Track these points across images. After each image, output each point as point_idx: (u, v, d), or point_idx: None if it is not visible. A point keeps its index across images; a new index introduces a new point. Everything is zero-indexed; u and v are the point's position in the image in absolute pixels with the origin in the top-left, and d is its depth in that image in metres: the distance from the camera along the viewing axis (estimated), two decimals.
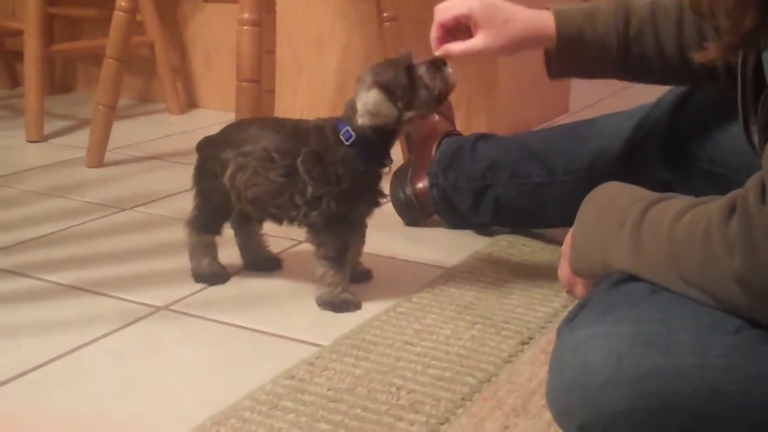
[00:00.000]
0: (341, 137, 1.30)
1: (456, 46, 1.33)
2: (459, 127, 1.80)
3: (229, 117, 1.76)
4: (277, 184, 1.31)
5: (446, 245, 1.62)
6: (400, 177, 1.74)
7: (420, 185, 1.69)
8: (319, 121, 1.35)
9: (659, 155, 1.48)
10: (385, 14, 2.07)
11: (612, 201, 1.00)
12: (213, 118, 2.51)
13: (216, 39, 2.73)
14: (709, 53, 0.94)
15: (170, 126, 2.56)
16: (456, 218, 1.68)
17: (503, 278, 1.44)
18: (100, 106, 2.09)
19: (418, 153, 1.74)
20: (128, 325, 1.28)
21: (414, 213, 1.72)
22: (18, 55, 2.66)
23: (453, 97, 1.93)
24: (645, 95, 1.56)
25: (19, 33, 2.49)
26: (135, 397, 1.09)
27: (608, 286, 0.93)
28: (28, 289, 1.40)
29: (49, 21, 2.70)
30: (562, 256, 1.09)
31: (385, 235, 1.65)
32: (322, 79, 2.58)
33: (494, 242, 1.61)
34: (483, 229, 1.67)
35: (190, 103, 2.82)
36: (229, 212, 1.39)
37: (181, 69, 2.82)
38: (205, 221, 1.40)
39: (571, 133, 1.60)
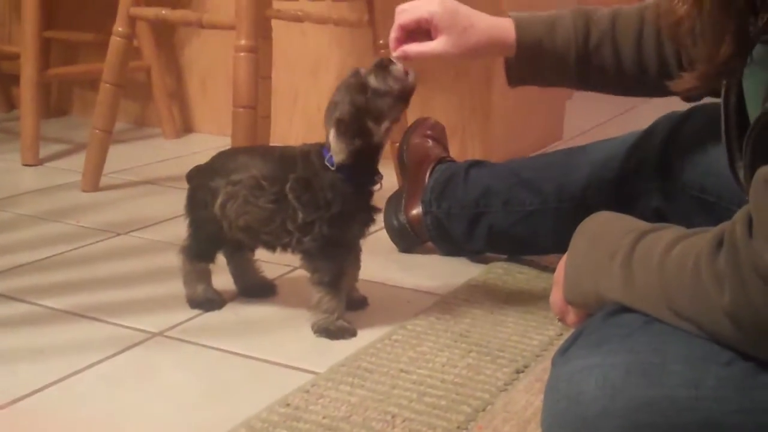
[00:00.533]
0: (327, 163, 1.30)
1: (414, 48, 1.34)
2: (454, 155, 1.81)
3: (224, 142, 1.76)
4: (267, 212, 1.32)
5: (441, 272, 1.62)
6: (393, 204, 1.75)
7: (414, 212, 1.70)
8: (304, 147, 1.36)
9: (651, 184, 1.49)
10: (380, 41, 2.08)
11: (603, 232, 1.00)
12: (208, 143, 2.51)
13: (212, 64, 2.75)
14: (684, 83, 0.96)
15: (165, 150, 2.57)
16: (450, 245, 1.68)
17: (498, 306, 1.44)
18: (96, 131, 2.09)
19: (411, 179, 1.75)
20: (123, 351, 1.28)
21: (408, 240, 1.73)
22: (14, 79, 2.67)
23: (448, 125, 1.94)
24: (640, 121, 1.57)
25: (15, 56, 2.49)
26: (130, 423, 1.08)
27: (602, 316, 0.94)
28: (23, 314, 1.40)
29: (46, 45, 2.71)
30: (555, 284, 1.09)
31: (380, 261, 1.65)
32: (317, 104, 2.59)
33: (489, 270, 1.61)
34: (477, 256, 1.68)
35: (186, 127, 2.83)
36: (222, 241, 1.39)
37: (176, 94, 2.83)
38: (198, 249, 1.40)
39: (563, 160, 1.61)
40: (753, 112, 0.92)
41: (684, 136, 1.47)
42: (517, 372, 1.22)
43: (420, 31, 1.34)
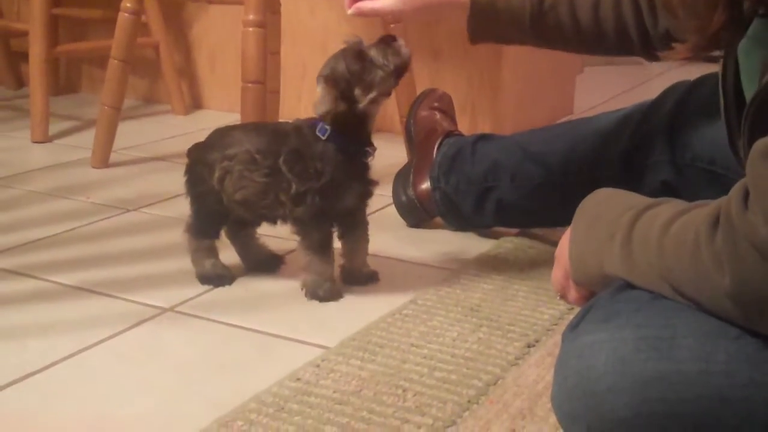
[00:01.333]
0: (318, 133, 1.32)
1: (367, 4, 1.36)
2: (464, 131, 1.80)
3: (233, 117, 1.76)
4: (262, 185, 1.34)
5: (450, 247, 1.62)
6: (401, 179, 1.74)
7: (422, 187, 1.69)
8: (297, 122, 1.38)
9: (659, 157, 1.48)
10: (389, 16, 2.07)
11: (602, 211, 1.00)
12: (217, 119, 2.50)
13: (220, 40, 2.74)
14: (676, 54, 0.95)
15: (175, 127, 2.57)
16: (459, 220, 1.68)
17: (509, 281, 1.44)
18: (105, 107, 2.09)
19: (419, 154, 1.74)
20: (133, 326, 1.28)
21: (417, 215, 1.72)
22: (23, 56, 2.66)
23: (458, 101, 1.94)
24: (651, 95, 1.55)
25: (23, 34, 2.49)
26: (140, 398, 1.09)
27: (611, 292, 0.93)
28: (34, 290, 1.40)
29: (54, 22, 2.70)
30: (556, 261, 1.09)
31: (389, 237, 1.65)
32: None
33: (499, 244, 1.61)
34: (486, 230, 1.67)
35: (195, 104, 2.82)
36: (224, 215, 1.41)
37: (185, 70, 2.82)
38: (202, 226, 1.42)
39: (570, 133, 1.59)
40: (749, 89, 0.91)
41: (691, 107, 1.46)
42: (528, 346, 1.21)
43: None
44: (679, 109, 1.47)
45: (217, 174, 1.36)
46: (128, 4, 2.02)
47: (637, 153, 1.49)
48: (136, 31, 2.06)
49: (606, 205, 1.00)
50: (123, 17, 2.03)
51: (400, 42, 1.31)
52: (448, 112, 1.81)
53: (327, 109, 1.30)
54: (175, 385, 1.12)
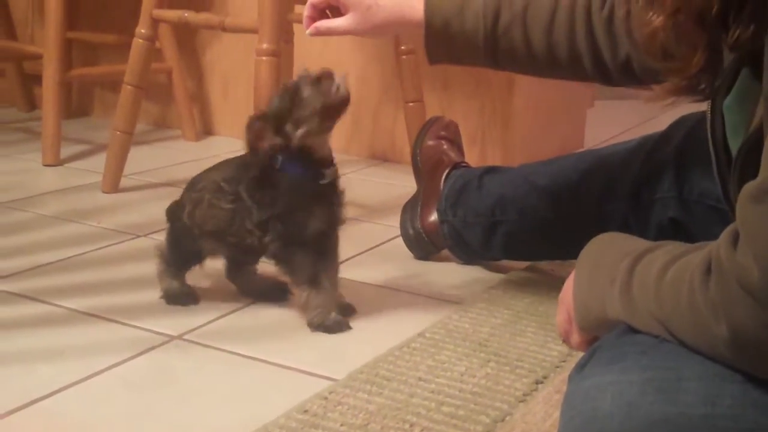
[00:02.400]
0: (273, 163, 1.36)
1: (324, 24, 1.38)
2: (473, 162, 1.80)
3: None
4: (229, 212, 1.37)
5: (459, 281, 1.62)
6: (409, 211, 1.74)
7: (430, 220, 1.69)
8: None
9: (667, 192, 1.46)
10: (402, 47, 2.08)
11: (602, 257, 1.00)
12: (228, 146, 2.51)
13: (233, 67, 2.75)
14: (656, 96, 0.96)
15: (185, 153, 2.57)
16: (467, 253, 1.67)
17: (517, 316, 1.44)
18: (117, 132, 2.10)
19: (426, 186, 1.74)
20: (141, 353, 1.28)
21: (424, 248, 1.72)
22: (36, 79, 2.68)
23: (468, 132, 1.94)
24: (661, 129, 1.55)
25: (37, 57, 2.50)
26: (147, 426, 1.08)
27: (617, 334, 0.94)
28: (42, 315, 1.40)
29: (68, 46, 2.72)
30: (560, 304, 1.09)
31: (396, 268, 1.65)
32: None
33: (508, 279, 1.61)
34: (494, 263, 1.67)
35: (206, 130, 2.83)
36: (196, 258, 1.44)
37: (197, 96, 2.83)
38: (173, 258, 1.45)
39: (577, 166, 1.58)
40: (735, 145, 0.92)
41: (699, 141, 1.44)
42: (536, 383, 1.21)
43: (334, 9, 1.38)
44: (686, 144, 1.45)
45: (187, 209, 1.40)
46: (143, 30, 2.03)
47: (644, 188, 1.48)
48: (150, 58, 2.07)
49: (606, 251, 1.00)
50: (137, 43, 2.04)
51: (336, 80, 1.33)
52: (455, 141, 1.81)
53: (247, 148, 1.33)
54: (182, 413, 1.12)
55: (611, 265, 0.96)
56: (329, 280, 1.38)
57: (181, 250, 1.44)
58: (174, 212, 1.44)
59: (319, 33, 1.38)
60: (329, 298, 1.37)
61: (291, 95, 1.33)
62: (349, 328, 1.38)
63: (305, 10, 1.39)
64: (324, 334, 1.36)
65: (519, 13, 1.33)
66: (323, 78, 1.33)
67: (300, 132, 1.33)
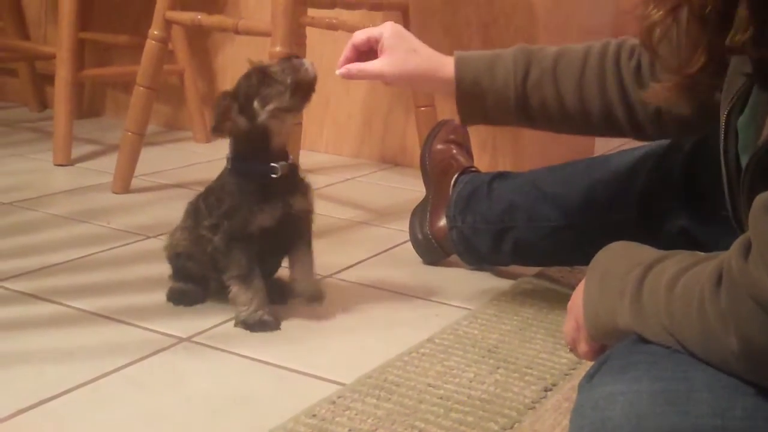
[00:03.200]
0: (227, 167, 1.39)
1: (355, 66, 1.38)
2: (484, 168, 1.80)
3: None
4: (189, 227, 1.42)
5: (467, 286, 1.61)
6: (418, 216, 1.74)
7: (438, 226, 1.69)
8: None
9: (676, 202, 1.46)
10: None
11: (612, 267, 1.00)
12: None
13: (245, 70, 2.74)
14: (655, 93, 0.96)
15: (196, 154, 2.58)
16: (476, 259, 1.67)
17: (527, 322, 1.43)
18: (129, 133, 2.10)
19: (435, 190, 1.74)
20: (150, 355, 1.28)
21: (433, 253, 1.72)
22: (48, 79, 2.69)
23: (478, 140, 1.93)
24: None
25: (49, 57, 2.51)
26: (155, 428, 1.08)
27: (628, 343, 0.93)
28: (51, 315, 1.40)
29: (81, 46, 2.73)
30: (568, 312, 1.09)
31: (406, 274, 1.65)
32: (348, 112, 2.60)
33: (517, 285, 1.60)
34: (503, 269, 1.67)
35: None
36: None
37: (209, 98, 2.83)
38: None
39: (586, 172, 1.57)
40: (746, 159, 0.92)
41: (708, 150, 1.42)
42: (546, 390, 1.21)
43: (372, 52, 1.38)
44: (696, 151, 1.44)
45: (169, 240, 1.47)
46: (155, 32, 2.04)
47: (654, 197, 1.48)
48: (162, 59, 2.08)
49: (617, 260, 1.00)
50: (150, 44, 2.04)
51: (304, 61, 1.34)
52: (464, 145, 1.81)
53: (215, 125, 1.34)
54: (190, 416, 1.12)
55: (622, 275, 0.95)
56: (306, 273, 1.43)
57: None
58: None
59: (350, 75, 1.39)
60: (256, 296, 1.37)
61: (260, 73, 1.34)
62: (278, 328, 1.37)
63: (345, 50, 1.39)
64: (332, 338, 1.35)
65: (549, 68, 1.33)
66: (292, 57, 1.35)
67: (268, 107, 1.33)
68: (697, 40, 0.89)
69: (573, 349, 1.09)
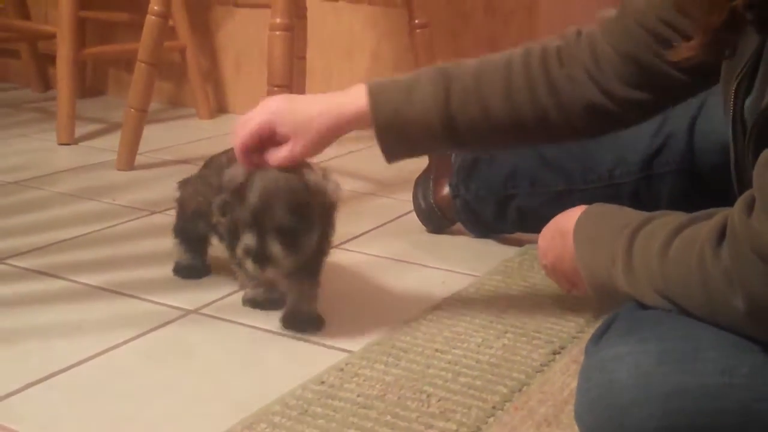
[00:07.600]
0: None
1: (271, 159, 1.21)
2: None
3: None
4: (203, 176, 1.43)
5: (473, 254, 1.61)
6: (421, 185, 1.73)
7: (442, 194, 1.68)
8: None
9: (680, 164, 1.45)
10: (416, 21, 2.07)
11: (599, 233, 1.00)
12: None
13: (246, 44, 2.74)
14: (681, 52, 0.96)
15: (199, 130, 2.57)
16: (480, 227, 1.67)
17: (534, 287, 1.43)
18: (132, 110, 2.10)
19: (438, 160, 1.73)
20: (158, 327, 1.28)
21: (437, 222, 1.72)
22: (50, 58, 2.69)
23: None
24: None
25: (51, 36, 2.50)
26: (165, 399, 1.09)
27: (634, 306, 0.93)
28: (59, 290, 1.40)
29: (81, 25, 2.72)
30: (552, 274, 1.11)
31: (411, 242, 1.65)
32: (351, 83, 2.58)
33: (524, 251, 1.60)
34: (507, 236, 1.67)
35: (220, 108, 2.83)
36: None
37: (211, 74, 2.83)
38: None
39: None
40: (752, 119, 0.91)
41: (712, 112, 1.39)
42: (554, 353, 1.21)
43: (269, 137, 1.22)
44: (701, 113, 1.43)
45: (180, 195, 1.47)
46: (155, 8, 2.03)
47: (656, 158, 1.47)
48: (163, 35, 2.07)
49: (601, 227, 1.00)
50: (150, 20, 2.03)
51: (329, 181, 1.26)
52: None
53: None
54: (199, 386, 1.12)
55: (609, 242, 0.96)
56: None
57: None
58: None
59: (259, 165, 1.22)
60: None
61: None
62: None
63: (236, 149, 1.22)
64: (339, 306, 1.35)
65: (471, 86, 1.20)
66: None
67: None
68: None
69: (548, 273, 1.10)
